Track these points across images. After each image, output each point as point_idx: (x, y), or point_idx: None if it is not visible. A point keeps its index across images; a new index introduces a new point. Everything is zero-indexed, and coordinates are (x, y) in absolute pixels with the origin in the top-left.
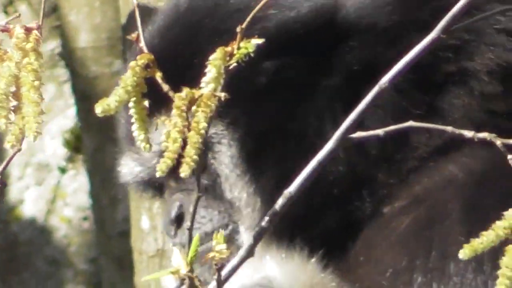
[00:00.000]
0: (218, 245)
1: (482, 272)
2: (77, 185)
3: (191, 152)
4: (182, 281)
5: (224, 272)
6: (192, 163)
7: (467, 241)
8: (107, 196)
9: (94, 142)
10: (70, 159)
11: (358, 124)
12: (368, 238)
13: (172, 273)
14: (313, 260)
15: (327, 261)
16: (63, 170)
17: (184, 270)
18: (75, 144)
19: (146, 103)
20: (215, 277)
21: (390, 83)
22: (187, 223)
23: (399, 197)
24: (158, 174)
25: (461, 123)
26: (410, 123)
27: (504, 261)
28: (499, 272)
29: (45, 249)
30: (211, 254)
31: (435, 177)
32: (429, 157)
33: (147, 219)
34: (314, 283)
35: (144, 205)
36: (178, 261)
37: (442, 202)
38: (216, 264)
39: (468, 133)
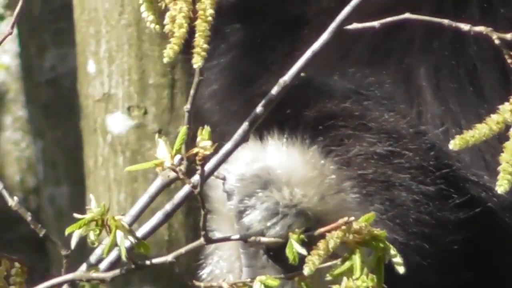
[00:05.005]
0: (203, 141)
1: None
2: (16, 31)
3: (200, 42)
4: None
5: (216, 158)
6: (204, 53)
7: None
8: (35, 44)
9: None
10: (7, 7)
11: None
12: None
13: (156, 165)
14: (313, 148)
15: (327, 150)
16: (1, 18)
17: (168, 162)
18: None
19: None
20: (199, 171)
21: None
22: (186, 106)
23: None
24: (165, 60)
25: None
26: (407, 15)
27: (504, 157)
28: (500, 167)
29: None
30: (195, 150)
31: None
32: None
33: (93, 63)
34: (314, 175)
35: (90, 49)
36: (163, 152)
37: None
38: (200, 160)
39: (465, 27)
